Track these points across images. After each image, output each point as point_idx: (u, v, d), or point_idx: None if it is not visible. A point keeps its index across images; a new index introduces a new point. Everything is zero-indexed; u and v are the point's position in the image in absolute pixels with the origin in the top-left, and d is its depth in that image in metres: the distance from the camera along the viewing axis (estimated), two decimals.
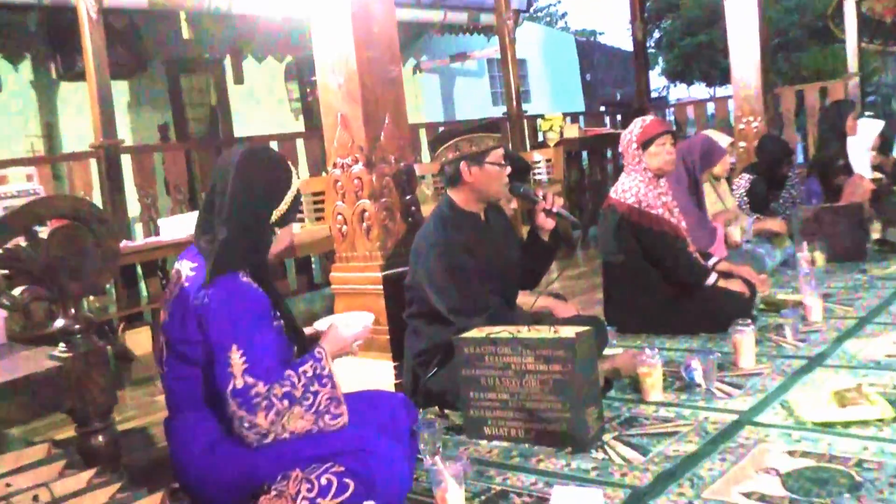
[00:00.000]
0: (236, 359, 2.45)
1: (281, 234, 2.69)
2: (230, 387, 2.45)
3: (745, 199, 6.64)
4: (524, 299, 4.13)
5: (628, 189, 4.64)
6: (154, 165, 7.58)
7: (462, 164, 3.65)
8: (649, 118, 4.77)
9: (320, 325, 2.87)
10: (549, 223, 3.85)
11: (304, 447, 2.55)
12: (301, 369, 2.56)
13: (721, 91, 32.29)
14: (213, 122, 11.62)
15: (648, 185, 4.63)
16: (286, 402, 2.49)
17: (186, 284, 2.58)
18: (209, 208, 2.64)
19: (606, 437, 3.20)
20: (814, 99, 10.47)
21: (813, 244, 5.88)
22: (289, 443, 2.53)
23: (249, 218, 2.59)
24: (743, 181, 6.73)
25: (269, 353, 2.52)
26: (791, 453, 2.86)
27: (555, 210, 3.78)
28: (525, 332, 3.27)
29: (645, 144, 4.62)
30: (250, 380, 2.45)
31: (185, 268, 2.63)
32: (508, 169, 3.73)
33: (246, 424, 2.45)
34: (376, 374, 4.14)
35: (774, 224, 6.27)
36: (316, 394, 2.55)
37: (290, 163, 2.72)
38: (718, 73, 30.76)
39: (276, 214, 2.63)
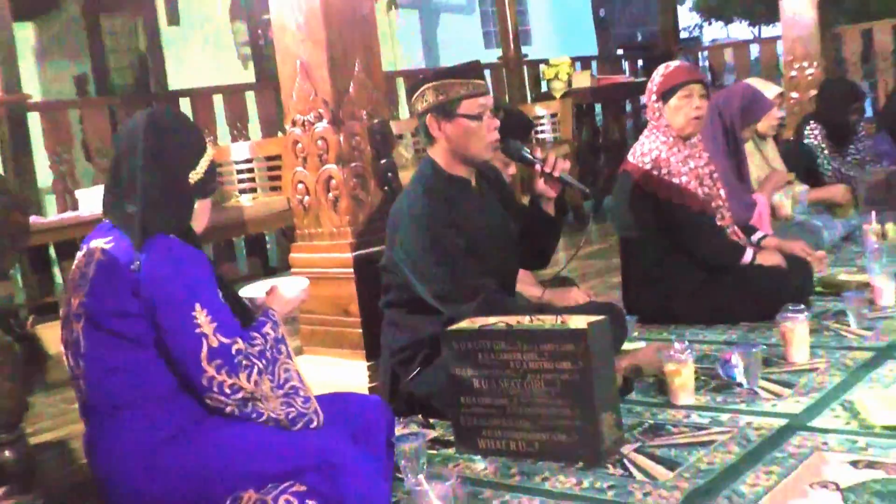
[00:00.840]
0: (203, 318, 2.55)
1: (199, 208, 2.80)
2: (204, 349, 2.53)
3: (822, 146, 6.65)
4: (524, 287, 4.16)
5: (647, 152, 4.66)
6: (70, 126, 7.58)
7: (428, 117, 3.68)
8: (674, 64, 4.79)
9: (250, 291, 2.98)
10: (551, 191, 3.86)
11: (261, 460, 2.58)
12: (263, 330, 2.71)
13: (767, 31, 32.32)
14: (143, 73, 11.60)
15: (672, 147, 4.64)
16: (263, 362, 2.63)
17: (105, 258, 2.64)
18: (116, 183, 2.74)
19: (626, 449, 3.23)
20: (886, 40, 10.42)
21: (882, 214, 5.91)
22: (243, 454, 2.57)
23: (166, 180, 2.70)
24: (816, 130, 6.75)
25: (229, 312, 2.64)
26: (854, 464, 2.89)
27: (557, 175, 3.79)
28: (526, 322, 3.29)
29: (665, 95, 4.64)
30: (225, 339, 2.55)
31: (98, 245, 2.69)
32: (495, 122, 3.73)
33: (227, 389, 2.55)
34: (347, 376, 4.17)
35: (835, 192, 6.31)
36: (275, 362, 2.69)
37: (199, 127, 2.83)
38: (764, 8, 30.77)
39: (193, 177, 2.75)
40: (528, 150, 3.85)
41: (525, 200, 4.05)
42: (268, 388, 2.62)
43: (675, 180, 4.58)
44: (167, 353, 2.59)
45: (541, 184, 3.83)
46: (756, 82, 6.07)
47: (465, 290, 3.54)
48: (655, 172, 4.59)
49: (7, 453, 2.82)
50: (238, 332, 2.61)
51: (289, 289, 2.99)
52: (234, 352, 2.56)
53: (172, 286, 2.57)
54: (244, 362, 2.57)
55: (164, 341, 2.58)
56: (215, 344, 2.54)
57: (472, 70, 3.77)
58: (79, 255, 2.77)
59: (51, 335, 6.05)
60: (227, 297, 2.77)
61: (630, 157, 4.74)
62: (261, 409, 2.62)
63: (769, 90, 5.98)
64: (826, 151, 6.67)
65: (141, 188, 2.66)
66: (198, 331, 2.54)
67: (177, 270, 2.60)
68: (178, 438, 2.60)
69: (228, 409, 2.59)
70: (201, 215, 2.83)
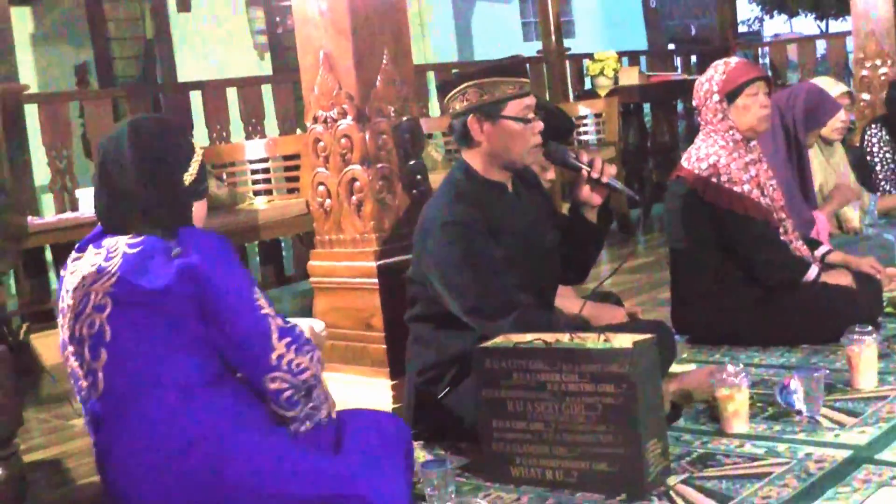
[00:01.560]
0: (263, 301, 2.85)
1: (195, 210, 3.01)
2: (274, 327, 2.81)
3: (886, 151, 6.63)
4: (563, 301, 4.17)
5: (704, 157, 4.65)
6: (69, 119, 7.64)
7: (470, 119, 3.67)
8: (734, 60, 4.78)
9: None
10: (597, 198, 3.87)
11: (290, 482, 2.71)
12: None
13: (836, 26, 32.20)
14: (149, 63, 11.67)
15: (733, 153, 4.64)
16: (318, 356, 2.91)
17: (134, 251, 2.82)
18: (111, 195, 2.93)
19: (672, 480, 3.23)
20: None
21: None
22: (271, 473, 2.70)
23: (161, 188, 2.90)
24: (875, 131, 6.73)
25: None
26: None
27: (604, 181, 3.81)
28: (566, 340, 3.31)
29: (731, 96, 4.64)
30: (285, 322, 2.87)
31: (119, 241, 2.86)
32: (539, 125, 3.74)
33: (294, 367, 2.81)
34: (369, 395, 4.18)
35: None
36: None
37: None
38: (833, 0, 30.67)
39: (188, 178, 2.95)
40: (574, 154, 3.85)
41: (564, 208, 4.06)
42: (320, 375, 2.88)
43: (737, 189, 4.57)
44: (224, 337, 2.81)
45: (586, 190, 3.83)
46: (823, 82, 6.05)
47: (500, 305, 3.55)
48: (714, 180, 4.58)
49: (0, 471, 2.85)
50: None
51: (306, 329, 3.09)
52: (298, 331, 2.86)
53: (232, 271, 2.85)
54: (307, 346, 2.85)
55: (225, 324, 2.80)
56: (281, 324, 2.84)
57: (518, 67, 3.78)
58: (76, 261, 2.91)
59: (45, 346, 6.09)
60: None
61: (684, 163, 4.73)
62: (316, 394, 2.88)
63: (837, 91, 5.94)
64: (888, 156, 6.65)
65: (140, 201, 2.86)
66: (263, 311, 2.82)
67: (230, 257, 2.86)
68: (207, 439, 2.71)
69: (288, 392, 2.81)
70: (198, 219, 3.01)
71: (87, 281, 2.82)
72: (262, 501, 2.69)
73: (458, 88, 3.69)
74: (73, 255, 2.95)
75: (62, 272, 2.96)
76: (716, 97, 4.64)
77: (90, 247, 2.92)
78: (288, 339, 2.81)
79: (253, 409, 2.84)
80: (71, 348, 2.84)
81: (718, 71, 4.69)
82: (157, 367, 2.76)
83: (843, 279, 4.66)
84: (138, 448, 2.71)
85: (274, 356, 2.78)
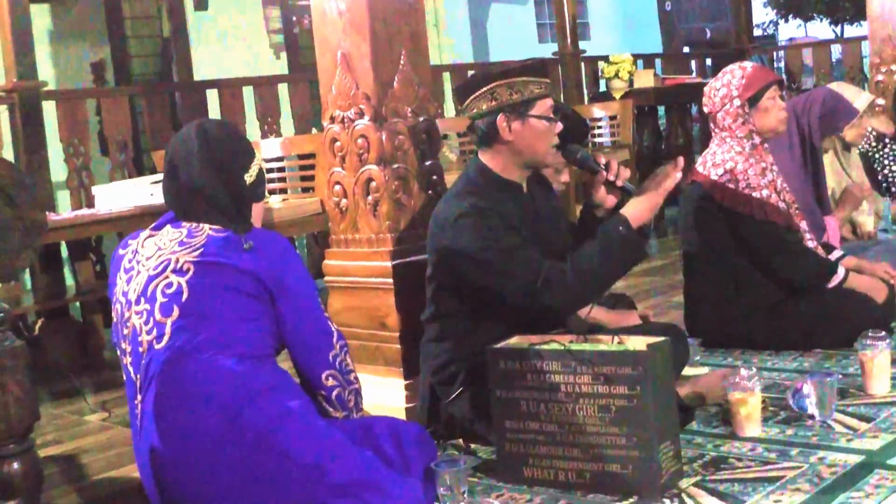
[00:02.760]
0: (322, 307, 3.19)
1: (254, 212, 3.24)
2: (334, 331, 3.20)
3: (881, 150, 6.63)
4: None
5: (721, 163, 4.65)
6: (87, 116, 7.67)
7: (499, 118, 3.68)
8: (749, 65, 4.78)
9: None
10: (611, 200, 3.88)
11: (326, 459, 2.89)
12: None
13: (851, 31, 32.13)
14: (166, 61, 11.69)
15: (749, 158, 4.64)
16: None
17: (218, 235, 3.07)
18: (178, 193, 3.17)
19: (685, 482, 3.24)
20: None
21: None
22: (320, 461, 2.89)
23: (227, 186, 3.13)
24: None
25: None
26: None
27: (619, 183, 3.82)
28: (580, 342, 3.32)
29: (753, 100, 4.65)
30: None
31: (203, 226, 3.11)
32: (559, 126, 3.77)
33: (345, 367, 3.20)
34: (382, 395, 4.19)
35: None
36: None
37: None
38: (849, 4, 30.59)
39: (248, 179, 3.17)
40: (593, 156, 3.86)
41: (578, 210, 4.06)
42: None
43: (756, 194, 4.56)
44: (294, 334, 3.12)
45: (601, 193, 3.84)
46: (840, 87, 6.01)
47: (537, 275, 3.52)
48: (731, 186, 4.58)
49: (16, 465, 2.85)
50: None
51: None
52: (344, 340, 3.23)
53: (301, 273, 3.16)
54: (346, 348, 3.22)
55: (299, 323, 3.11)
56: (336, 327, 3.21)
57: (543, 68, 3.82)
58: (150, 238, 3.14)
59: (60, 342, 6.13)
60: None
61: (699, 168, 4.73)
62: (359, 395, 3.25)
63: (855, 96, 5.89)
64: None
65: (207, 195, 3.09)
66: (325, 314, 3.19)
67: (297, 258, 3.18)
68: (262, 399, 2.91)
69: (338, 390, 3.16)
70: (256, 219, 3.22)
71: (168, 249, 3.04)
72: (301, 471, 2.86)
73: (486, 87, 3.70)
74: (147, 232, 3.15)
75: (121, 251, 3.17)
76: (737, 101, 4.64)
77: (168, 226, 3.12)
78: (342, 342, 3.19)
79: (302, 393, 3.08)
80: (140, 307, 3.01)
81: (736, 76, 4.68)
82: (224, 331, 2.95)
83: (871, 286, 4.64)
84: (194, 404, 2.88)
85: (331, 355, 3.13)
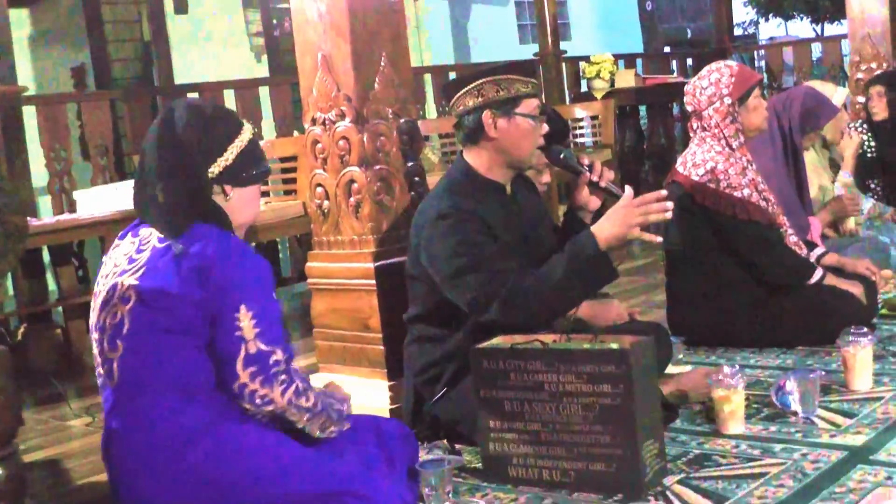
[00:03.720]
0: (246, 322, 2.73)
1: (236, 197, 2.97)
2: (242, 353, 2.73)
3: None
4: None
5: (701, 163, 4.66)
6: (67, 121, 7.65)
7: (486, 114, 3.69)
8: (734, 64, 4.81)
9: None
10: (595, 201, 3.90)
11: (292, 481, 2.71)
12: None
13: (831, 29, 32.23)
14: (147, 65, 11.69)
15: (730, 158, 4.65)
16: (304, 385, 2.83)
17: (163, 246, 2.82)
18: (140, 175, 2.95)
19: (669, 480, 3.25)
20: None
21: None
22: (274, 472, 2.72)
23: (182, 174, 2.87)
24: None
25: (279, 321, 2.82)
26: None
27: (603, 184, 3.83)
28: (564, 341, 3.32)
29: (742, 98, 4.67)
30: (265, 347, 2.73)
31: (152, 233, 2.88)
32: (545, 127, 3.78)
33: (258, 400, 2.75)
34: (366, 396, 4.19)
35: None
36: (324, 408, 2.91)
37: (234, 113, 3.06)
38: (829, 3, 30.68)
39: (217, 167, 2.89)
40: (576, 157, 3.87)
41: (562, 211, 4.07)
42: (303, 405, 2.81)
43: (737, 194, 4.58)
44: (211, 349, 2.77)
45: (585, 194, 3.86)
46: (820, 85, 6.04)
47: (497, 291, 3.52)
48: (713, 186, 4.60)
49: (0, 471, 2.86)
50: (280, 343, 2.77)
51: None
52: (271, 362, 2.73)
53: (226, 281, 2.75)
54: (281, 376, 2.74)
55: (212, 337, 2.76)
56: (253, 350, 2.72)
57: (530, 67, 3.84)
58: (115, 248, 2.94)
59: (42, 347, 6.12)
60: None
61: (680, 168, 4.74)
62: (294, 419, 2.82)
63: (835, 95, 5.93)
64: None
65: (153, 195, 2.85)
66: (237, 333, 2.72)
67: (238, 267, 2.79)
68: (206, 437, 2.72)
69: (259, 417, 2.77)
70: (242, 208, 2.99)
71: (117, 270, 2.85)
72: (260, 499, 2.70)
73: (473, 84, 3.71)
74: (116, 242, 2.99)
75: (104, 258, 3.00)
76: (728, 100, 4.64)
77: (129, 235, 2.95)
78: (252, 369, 2.73)
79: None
80: (95, 335, 2.87)
81: (725, 75, 4.68)
82: (165, 365, 2.76)
83: (856, 290, 4.66)
84: (139, 443, 2.73)
85: (236, 385, 2.74)
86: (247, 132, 2.99)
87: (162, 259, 2.79)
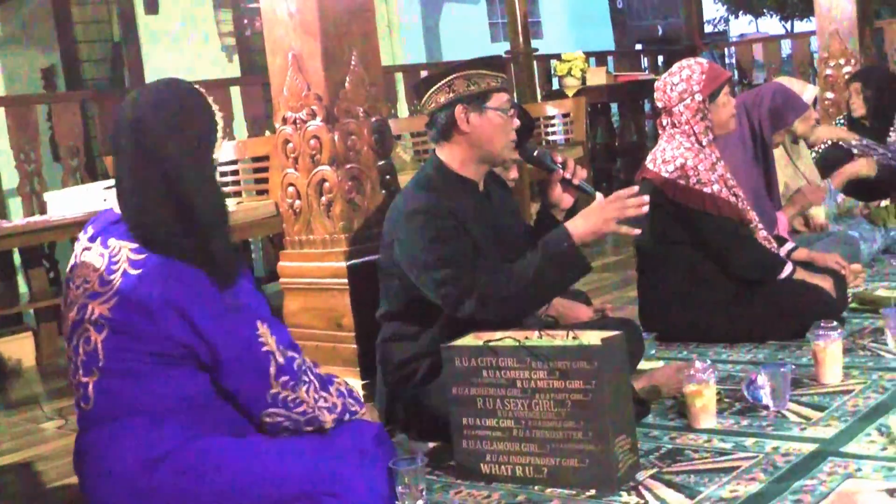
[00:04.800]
0: (267, 336, 2.76)
1: None
2: (273, 367, 2.77)
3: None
4: None
5: (671, 159, 4.67)
6: (37, 122, 7.62)
7: (458, 108, 3.69)
8: (704, 61, 4.81)
9: None
10: (568, 199, 3.91)
11: (265, 481, 2.71)
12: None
13: (801, 26, 32.38)
14: (117, 65, 11.65)
15: (699, 154, 4.66)
16: (319, 382, 2.91)
17: (137, 274, 2.71)
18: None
19: (641, 475, 3.26)
20: None
21: None
22: (245, 481, 2.71)
23: (202, 172, 2.81)
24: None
25: (279, 321, 2.86)
26: (891, 492, 2.92)
27: (576, 182, 3.84)
28: (535, 338, 3.33)
29: (713, 95, 4.69)
30: (289, 353, 2.80)
31: (123, 247, 2.76)
32: (516, 122, 3.78)
33: (290, 403, 2.81)
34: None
35: (859, 165, 6.36)
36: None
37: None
38: (798, 0, 30.81)
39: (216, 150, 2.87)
40: (549, 155, 3.88)
41: (534, 208, 4.08)
42: (323, 403, 2.89)
43: (707, 189, 4.60)
44: (221, 376, 2.75)
45: (557, 191, 3.87)
46: (789, 81, 6.07)
47: (468, 288, 3.53)
48: (682, 182, 4.61)
49: None
50: (294, 346, 2.85)
51: None
52: (296, 367, 2.80)
53: (218, 308, 2.71)
54: (304, 377, 2.82)
55: (223, 368, 2.74)
56: (282, 360, 2.77)
57: (499, 63, 3.84)
58: (86, 250, 2.84)
59: (14, 349, 6.09)
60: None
61: (650, 165, 4.75)
62: (320, 420, 2.89)
63: (805, 91, 5.94)
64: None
65: (176, 195, 2.75)
66: (265, 349, 2.77)
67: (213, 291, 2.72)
68: (178, 456, 2.70)
69: (286, 423, 2.85)
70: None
71: (88, 289, 2.78)
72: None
73: (444, 80, 3.72)
74: (85, 242, 2.88)
75: (75, 251, 2.91)
76: (698, 97, 4.65)
77: (98, 241, 2.84)
78: (285, 378, 2.79)
79: (227, 424, 2.83)
80: (69, 352, 2.83)
81: (696, 72, 4.69)
82: (142, 390, 2.73)
83: (824, 282, 4.68)
84: (110, 465, 2.72)
85: (269, 396, 2.78)
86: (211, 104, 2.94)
87: (135, 292, 2.70)
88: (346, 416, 2.98)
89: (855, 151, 6.71)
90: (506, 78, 3.81)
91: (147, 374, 2.73)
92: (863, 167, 6.37)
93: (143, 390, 2.73)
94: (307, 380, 2.85)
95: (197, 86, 2.96)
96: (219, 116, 2.91)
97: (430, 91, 3.75)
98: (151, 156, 2.75)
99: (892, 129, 6.87)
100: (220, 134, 2.89)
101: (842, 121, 7.01)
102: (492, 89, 3.71)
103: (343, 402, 2.97)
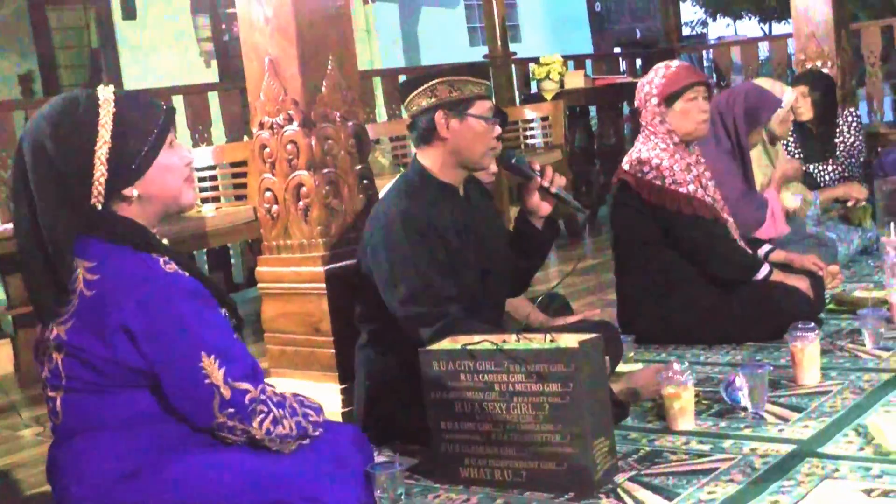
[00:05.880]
0: (212, 368, 2.64)
1: (144, 188, 2.74)
2: (216, 400, 2.66)
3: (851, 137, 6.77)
4: (514, 304, 4.19)
5: (646, 160, 4.69)
6: (14, 128, 7.59)
7: (438, 114, 3.71)
8: (675, 64, 4.81)
9: None
10: (546, 207, 3.91)
11: (239, 492, 2.68)
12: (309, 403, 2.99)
13: (779, 28, 32.50)
14: (95, 71, 11.63)
15: (674, 154, 4.68)
16: (280, 411, 2.78)
17: (92, 293, 2.65)
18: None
19: (620, 477, 3.27)
20: None
21: None
22: (215, 491, 2.68)
23: (64, 192, 2.65)
24: (851, 118, 6.87)
25: (241, 349, 2.76)
26: (868, 492, 2.94)
27: (553, 190, 3.85)
28: (513, 341, 3.33)
29: (669, 99, 4.68)
30: (237, 386, 2.67)
31: (79, 269, 2.69)
32: (499, 129, 3.78)
33: (238, 433, 2.73)
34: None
35: (850, 189, 6.37)
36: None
37: (92, 97, 2.73)
38: (775, 2, 30.93)
39: (100, 159, 2.65)
40: (527, 161, 3.89)
41: (514, 211, 4.08)
42: (281, 432, 2.78)
43: (682, 190, 4.61)
44: (167, 399, 2.70)
45: (535, 198, 3.87)
46: (767, 83, 6.04)
47: (430, 311, 3.56)
48: (658, 183, 4.62)
49: None
50: (250, 375, 2.71)
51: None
52: (247, 401, 2.68)
53: (172, 335, 2.64)
54: (258, 408, 2.71)
55: (167, 393, 2.68)
56: (227, 394, 2.66)
57: (482, 70, 3.87)
58: None
59: None
60: (224, 304, 2.87)
61: (625, 166, 4.76)
62: (271, 446, 2.80)
63: (785, 94, 5.88)
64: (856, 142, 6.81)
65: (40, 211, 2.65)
66: (208, 381, 2.65)
67: (173, 313, 2.65)
68: (149, 471, 2.68)
69: (239, 441, 2.77)
70: (164, 180, 2.77)
71: (49, 312, 2.73)
72: None
73: (427, 85, 3.73)
74: None
75: None
76: (654, 100, 4.67)
77: None
78: (230, 410, 2.68)
79: (198, 436, 2.79)
80: (37, 366, 2.82)
81: (658, 74, 4.72)
82: (105, 408, 2.70)
83: (800, 282, 4.69)
84: (81, 477, 2.70)
85: (214, 424, 2.71)
86: (105, 115, 2.69)
87: (89, 315, 2.64)
88: (311, 430, 2.90)
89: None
90: (489, 85, 3.83)
91: (110, 393, 2.70)
92: (853, 190, 6.39)
93: (108, 406, 2.70)
94: (264, 410, 2.72)
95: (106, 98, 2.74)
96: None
97: (413, 94, 3.76)
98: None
99: (837, 133, 6.88)
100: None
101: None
102: (474, 96, 3.72)
103: (297, 422, 2.84)
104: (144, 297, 2.63)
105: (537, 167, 3.86)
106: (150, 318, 2.62)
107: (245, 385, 2.69)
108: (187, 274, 2.75)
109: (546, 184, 3.83)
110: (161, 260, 2.71)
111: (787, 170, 5.84)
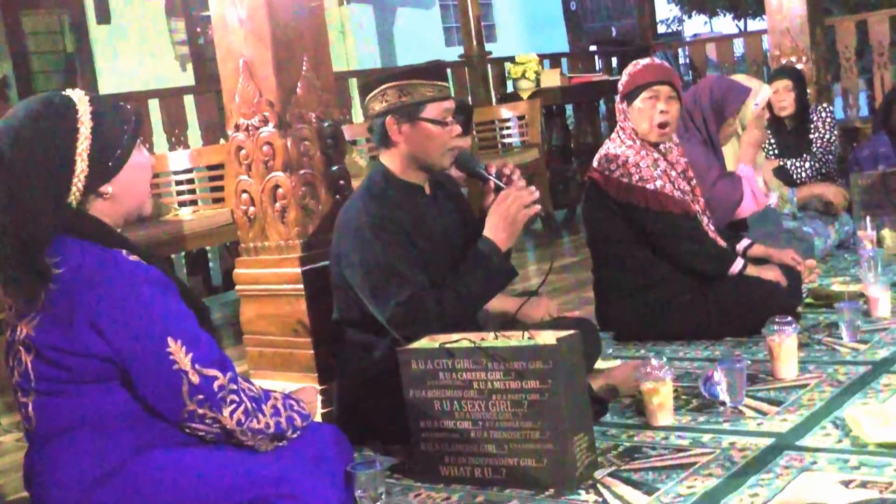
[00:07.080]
0: (180, 354, 2.63)
1: (117, 187, 2.74)
2: (185, 386, 2.63)
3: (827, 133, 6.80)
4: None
5: (613, 158, 4.71)
6: None
7: (388, 119, 3.70)
8: (644, 62, 4.80)
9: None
10: None
11: (218, 490, 2.68)
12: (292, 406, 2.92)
13: (754, 25, 32.56)
14: (70, 76, 11.60)
15: (640, 151, 4.69)
16: (253, 405, 2.75)
17: (57, 287, 2.63)
18: None
19: (599, 473, 3.28)
20: (882, 32, 10.39)
21: (879, 220, 5.97)
22: (192, 490, 2.67)
23: (40, 198, 2.63)
24: (825, 113, 6.88)
25: (208, 338, 2.74)
26: (846, 483, 2.96)
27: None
28: (491, 339, 3.34)
29: (629, 97, 4.70)
30: (205, 372, 2.65)
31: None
32: (458, 129, 3.77)
33: (207, 421, 2.69)
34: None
35: (830, 191, 6.38)
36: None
37: (65, 97, 2.72)
38: (750, 0, 31.00)
39: (80, 155, 2.65)
40: (484, 165, 3.86)
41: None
42: (254, 426, 2.75)
43: (649, 186, 4.62)
44: (136, 390, 2.67)
45: (491, 200, 3.84)
46: (744, 80, 6.02)
47: (420, 306, 3.56)
48: (625, 180, 4.63)
49: None
50: (218, 363, 2.69)
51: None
52: (215, 387, 2.66)
53: (137, 321, 2.63)
54: (230, 396, 2.69)
55: (135, 382, 2.65)
56: (196, 380, 2.64)
57: (437, 71, 3.82)
58: None
59: None
60: (195, 308, 2.83)
61: (595, 164, 4.78)
62: (244, 440, 2.76)
63: (762, 92, 5.76)
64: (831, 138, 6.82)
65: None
66: (176, 367, 2.63)
67: (141, 300, 2.64)
68: (125, 470, 2.67)
69: (208, 437, 2.74)
70: (131, 185, 2.78)
71: (18, 312, 2.72)
72: None
73: (377, 89, 3.72)
74: None
75: None
76: (617, 97, 4.71)
77: None
78: (199, 397, 2.65)
79: (175, 433, 2.77)
80: (7, 371, 2.79)
81: (626, 71, 4.75)
82: (77, 409, 2.69)
83: (772, 274, 4.71)
84: (57, 482, 2.70)
85: (184, 412, 2.67)
86: (83, 114, 2.69)
87: (55, 308, 2.62)
88: (290, 433, 2.87)
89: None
90: (445, 85, 3.80)
91: (81, 392, 2.68)
92: (830, 192, 6.41)
93: (80, 406, 2.69)
94: (235, 400, 2.70)
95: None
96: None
97: (367, 98, 3.77)
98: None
99: (812, 130, 6.88)
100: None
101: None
102: (426, 99, 3.70)
103: (277, 422, 2.81)
104: (108, 285, 2.62)
105: (493, 169, 3.84)
106: (115, 306, 2.61)
107: (213, 371, 2.67)
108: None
109: (502, 184, 3.79)
110: (124, 251, 2.70)
111: (752, 137, 5.70)
